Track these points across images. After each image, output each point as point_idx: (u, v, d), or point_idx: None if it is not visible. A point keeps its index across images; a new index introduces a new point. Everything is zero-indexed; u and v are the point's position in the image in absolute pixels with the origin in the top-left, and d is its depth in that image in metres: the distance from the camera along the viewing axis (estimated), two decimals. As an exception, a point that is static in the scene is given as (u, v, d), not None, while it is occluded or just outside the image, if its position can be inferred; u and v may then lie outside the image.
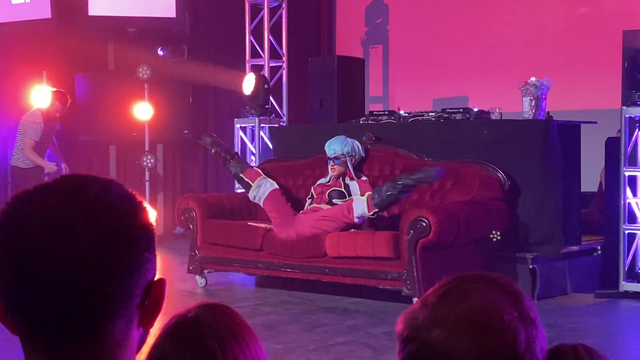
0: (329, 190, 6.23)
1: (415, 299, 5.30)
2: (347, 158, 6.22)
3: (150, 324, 1.02)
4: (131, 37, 9.51)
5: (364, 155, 6.44)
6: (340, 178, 6.27)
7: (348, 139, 6.34)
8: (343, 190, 6.20)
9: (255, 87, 8.12)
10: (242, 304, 5.71)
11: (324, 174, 6.78)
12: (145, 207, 1.01)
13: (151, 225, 1.00)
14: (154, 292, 1.00)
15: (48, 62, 9.24)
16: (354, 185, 6.20)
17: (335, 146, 6.26)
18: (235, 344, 1.37)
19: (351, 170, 6.25)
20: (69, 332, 0.95)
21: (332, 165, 6.26)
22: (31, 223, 0.94)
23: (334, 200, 6.14)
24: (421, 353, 1.06)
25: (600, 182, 7.09)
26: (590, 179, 6.97)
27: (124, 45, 9.69)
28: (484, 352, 1.04)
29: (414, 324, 1.07)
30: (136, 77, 9.27)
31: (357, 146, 6.35)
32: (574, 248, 6.22)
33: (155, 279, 1.01)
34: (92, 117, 9.48)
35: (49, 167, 7.84)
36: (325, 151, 6.29)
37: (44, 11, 9.19)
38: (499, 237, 5.59)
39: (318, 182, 6.41)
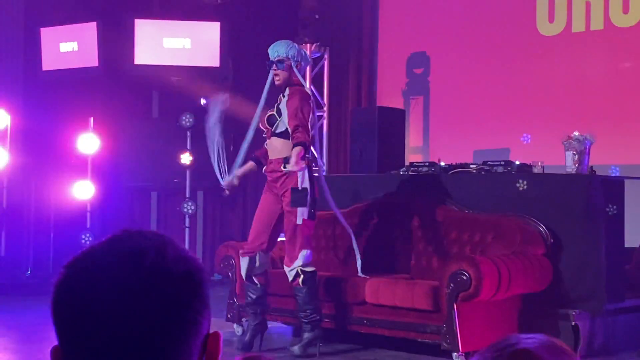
0: (266, 117, 5.73)
1: (454, 354, 5.25)
2: (292, 62, 5.63)
3: None
4: (175, 86, 9.69)
5: (310, 61, 5.83)
6: (281, 94, 5.73)
7: (294, 43, 5.79)
8: (274, 114, 5.70)
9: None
10: (280, 354, 5.68)
11: (362, 223, 6.76)
12: (199, 267, 1.02)
13: (205, 283, 1.02)
14: (210, 346, 1.03)
15: (95, 109, 9.44)
16: (283, 107, 5.66)
17: (279, 48, 5.62)
18: None
19: (299, 77, 5.70)
20: None
21: (274, 70, 5.63)
22: (90, 290, 0.96)
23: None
24: None
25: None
26: (635, 234, 6.86)
27: (168, 94, 9.87)
28: None
29: None
30: (179, 124, 9.42)
31: (305, 52, 5.78)
32: (618, 305, 6.10)
33: (210, 332, 1.03)
34: (136, 164, 9.63)
35: None
36: (363, 197, 6.20)
37: (92, 59, 9.42)
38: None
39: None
